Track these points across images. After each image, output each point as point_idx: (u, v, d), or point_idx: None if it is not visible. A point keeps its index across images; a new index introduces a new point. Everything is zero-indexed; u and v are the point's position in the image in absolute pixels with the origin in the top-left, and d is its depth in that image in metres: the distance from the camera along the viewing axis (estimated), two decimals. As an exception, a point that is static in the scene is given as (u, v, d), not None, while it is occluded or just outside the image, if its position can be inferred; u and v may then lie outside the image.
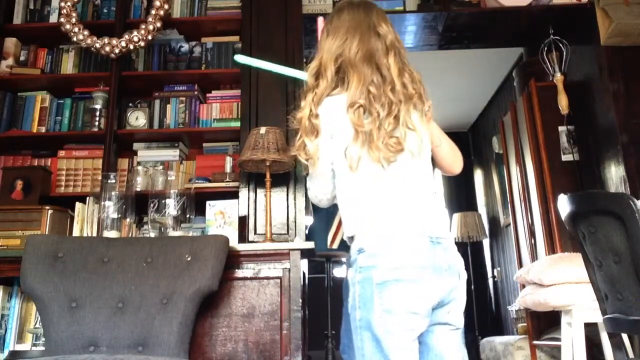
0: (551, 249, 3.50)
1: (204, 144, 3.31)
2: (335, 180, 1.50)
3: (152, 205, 2.62)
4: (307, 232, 3.12)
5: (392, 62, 1.49)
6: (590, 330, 2.78)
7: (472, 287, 5.46)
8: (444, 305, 1.38)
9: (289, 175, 2.91)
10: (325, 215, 3.71)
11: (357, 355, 1.36)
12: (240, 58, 1.96)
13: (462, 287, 1.42)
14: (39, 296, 2.02)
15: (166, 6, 3.11)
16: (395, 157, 1.41)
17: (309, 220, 3.48)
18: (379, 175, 1.41)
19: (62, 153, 3.21)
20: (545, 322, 3.42)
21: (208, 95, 3.32)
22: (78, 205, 2.91)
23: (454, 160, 1.61)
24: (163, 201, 2.61)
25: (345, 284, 2.02)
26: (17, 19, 3.38)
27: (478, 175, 6.40)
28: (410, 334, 1.32)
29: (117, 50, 3.04)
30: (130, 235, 2.82)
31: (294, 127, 1.54)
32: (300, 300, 2.31)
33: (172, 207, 2.59)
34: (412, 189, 1.44)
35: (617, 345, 2.86)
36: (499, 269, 5.56)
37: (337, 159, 1.46)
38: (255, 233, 2.84)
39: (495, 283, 5.70)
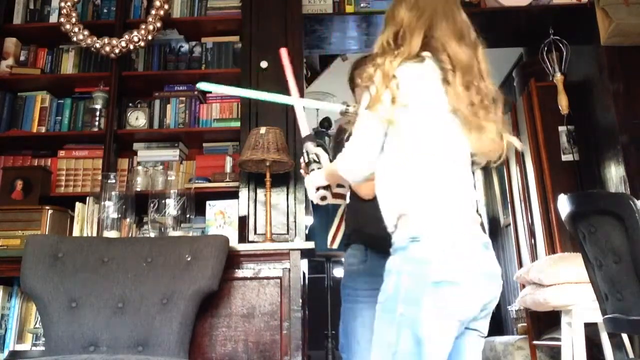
0: (551, 249, 3.50)
1: (204, 144, 3.31)
2: (399, 153, 1.32)
3: (152, 205, 2.62)
4: (307, 232, 3.12)
5: (481, 55, 1.46)
6: (590, 330, 2.78)
7: (472, 287, 5.45)
8: (482, 311, 1.30)
9: (289, 175, 2.91)
10: (325, 215, 3.71)
11: (383, 349, 1.24)
12: (203, 85, 1.94)
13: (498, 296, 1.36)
14: (39, 296, 2.02)
15: (166, 6, 3.11)
16: None
17: (309, 220, 3.48)
18: (467, 159, 1.34)
19: (62, 153, 3.21)
20: (545, 322, 3.41)
21: (208, 95, 3.32)
22: (78, 205, 2.91)
23: None
24: (163, 201, 2.61)
25: (347, 273, 2.00)
26: (17, 19, 3.38)
27: (478, 175, 6.39)
28: (451, 340, 1.23)
29: (117, 50, 3.04)
30: (130, 235, 2.82)
31: (363, 84, 1.36)
32: (300, 300, 2.31)
33: (172, 207, 2.59)
34: (472, 186, 1.37)
35: (617, 345, 2.86)
36: (499, 269, 5.54)
37: (414, 130, 1.30)
38: (255, 233, 2.84)
39: (495, 283, 5.69)
